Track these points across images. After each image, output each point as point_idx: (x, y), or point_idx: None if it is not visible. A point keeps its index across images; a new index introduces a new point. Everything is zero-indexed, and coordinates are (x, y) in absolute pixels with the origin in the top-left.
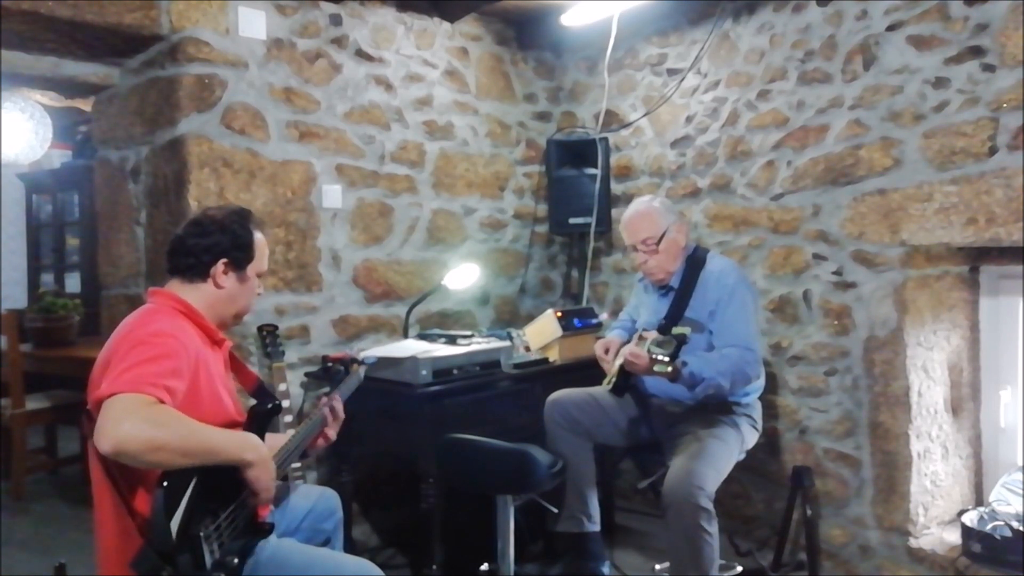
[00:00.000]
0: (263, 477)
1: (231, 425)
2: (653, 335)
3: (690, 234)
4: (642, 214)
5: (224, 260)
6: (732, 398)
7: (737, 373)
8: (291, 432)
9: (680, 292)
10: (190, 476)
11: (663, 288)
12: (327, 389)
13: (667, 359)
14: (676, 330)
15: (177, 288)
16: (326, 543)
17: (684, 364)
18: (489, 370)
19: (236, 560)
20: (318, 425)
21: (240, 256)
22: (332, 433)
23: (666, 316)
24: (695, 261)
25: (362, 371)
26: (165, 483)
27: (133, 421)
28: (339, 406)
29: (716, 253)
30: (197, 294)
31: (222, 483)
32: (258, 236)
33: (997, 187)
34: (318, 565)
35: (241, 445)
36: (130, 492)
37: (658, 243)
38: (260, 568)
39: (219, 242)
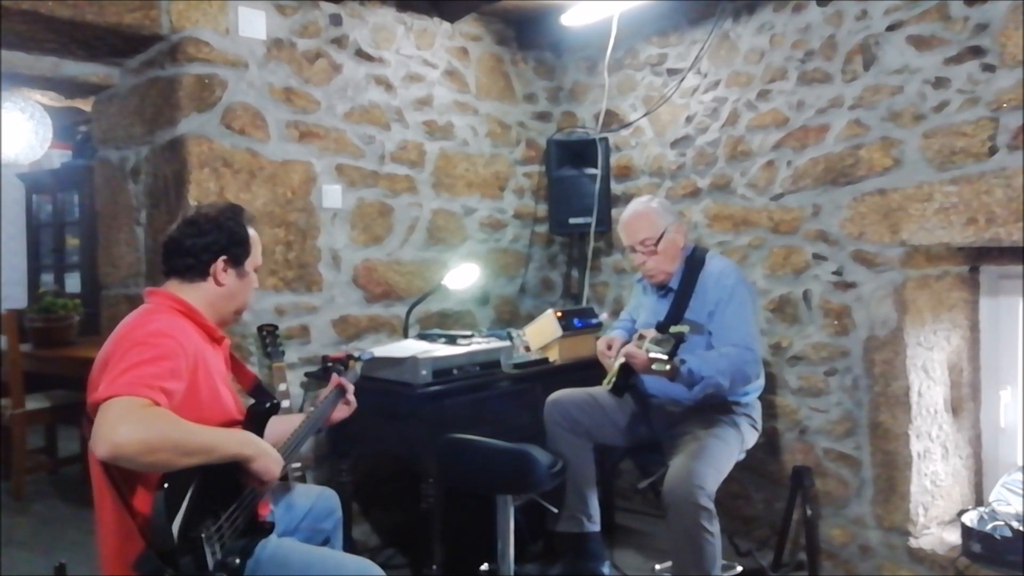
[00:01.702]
0: (270, 468)
1: (232, 423)
2: (652, 334)
3: (689, 234)
4: (640, 214)
5: (223, 257)
6: (732, 397)
7: (736, 372)
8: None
9: (679, 293)
10: (191, 477)
11: (662, 289)
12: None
13: (665, 357)
14: (674, 329)
15: (176, 288)
16: (325, 543)
17: (682, 362)
18: (489, 370)
19: (238, 560)
20: (329, 406)
21: (238, 252)
22: (348, 408)
23: (665, 317)
24: (694, 262)
25: (359, 367)
26: (166, 485)
27: (128, 424)
28: (350, 388)
29: (715, 253)
30: (197, 293)
31: (222, 484)
32: (252, 231)
33: (997, 187)
34: (319, 564)
35: (239, 441)
36: (130, 492)
37: (656, 244)
38: (261, 567)
39: (217, 240)
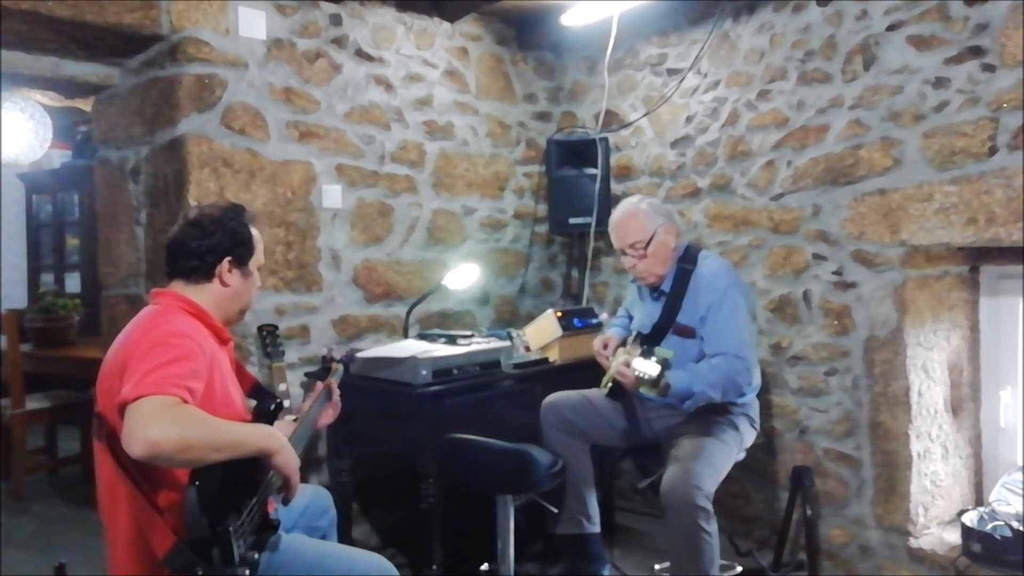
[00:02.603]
0: (290, 462)
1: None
2: (638, 355)
3: (681, 234)
4: (630, 216)
5: (229, 258)
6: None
7: (728, 383)
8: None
9: (671, 296)
10: (217, 473)
11: (655, 291)
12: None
13: (652, 380)
14: (659, 353)
15: (181, 290)
16: (321, 540)
17: (667, 386)
18: (489, 370)
19: (257, 555)
20: (320, 407)
21: (243, 252)
22: (332, 412)
23: (657, 322)
24: (686, 263)
25: (341, 369)
26: (197, 482)
27: (162, 423)
28: (335, 389)
29: (709, 253)
30: (203, 295)
31: (242, 480)
32: (254, 230)
33: (997, 187)
34: (332, 560)
35: (263, 435)
36: (153, 491)
37: (646, 247)
38: (275, 562)
39: (221, 241)
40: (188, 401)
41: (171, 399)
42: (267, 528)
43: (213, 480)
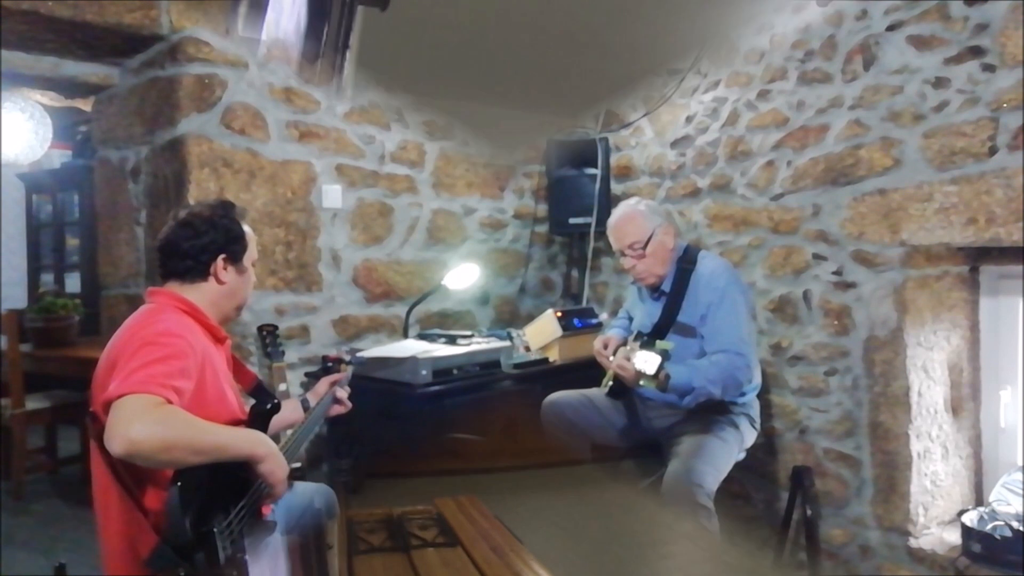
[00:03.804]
0: (276, 471)
1: (236, 422)
2: (636, 348)
3: (679, 234)
4: (628, 218)
5: (223, 256)
6: (728, 398)
7: (728, 380)
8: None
9: (671, 296)
10: (202, 473)
11: (655, 292)
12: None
13: (652, 374)
14: (659, 345)
15: (177, 289)
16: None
17: (667, 377)
18: (489, 370)
19: (246, 557)
20: (325, 408)
21: (236, 249)
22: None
23: (658, 321)
24: (686, 262)
25: (350, 371)
26: (179, 482)
27: (144, 422)
28: (343, 393)
29: (708, 253)
30: (198, 293)
31: (232, 480)
32: (246, 226)
33: (997, 187)
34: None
35: (251, 441)
36: (140, 490)
37: (645, 247)
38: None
39: (214, 239)
40: (173, 401)
41: (155, 398)
42: (263, 529)
43: (198, 480)
